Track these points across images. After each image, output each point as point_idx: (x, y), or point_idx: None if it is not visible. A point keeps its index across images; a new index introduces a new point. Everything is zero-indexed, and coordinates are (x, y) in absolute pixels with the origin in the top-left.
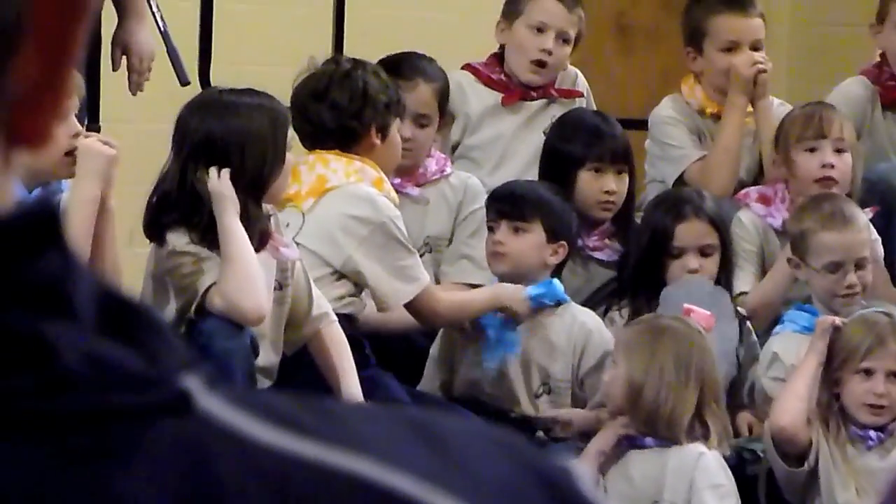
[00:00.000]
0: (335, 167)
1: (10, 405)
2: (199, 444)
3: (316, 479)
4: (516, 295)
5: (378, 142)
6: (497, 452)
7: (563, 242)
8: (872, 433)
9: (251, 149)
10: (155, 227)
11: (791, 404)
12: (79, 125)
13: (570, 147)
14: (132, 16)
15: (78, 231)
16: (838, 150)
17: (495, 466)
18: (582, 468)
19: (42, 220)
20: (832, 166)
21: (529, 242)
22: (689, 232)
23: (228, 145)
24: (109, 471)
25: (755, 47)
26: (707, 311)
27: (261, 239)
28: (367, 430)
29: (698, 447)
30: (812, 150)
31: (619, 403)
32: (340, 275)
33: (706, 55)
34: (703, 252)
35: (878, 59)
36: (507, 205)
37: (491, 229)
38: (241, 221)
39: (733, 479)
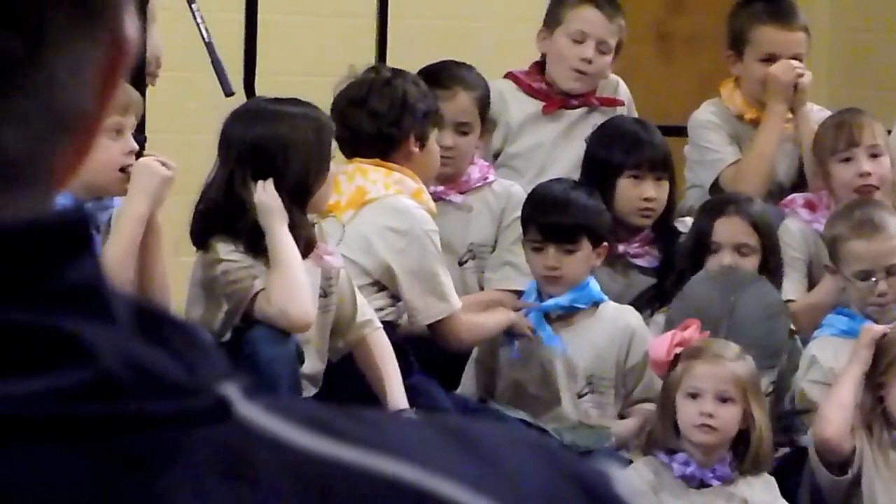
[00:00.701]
0: (374, 178)
1: (49, 408)
2: (240, 449)
3: (356, 482)
4: (522, 319)
5: (416, 150)
6: (535, 457)
7: (605, 243)
8: None
9: (295, 157)
10: (201, 235)
11: (835, 415)
12: (134, 143)
13: (610, 154)
14: (145, 17)
15: (124, 246)
16: (874, 156)
17: (533, 471)
18: (619, 471)
19: (78, 225)
20: (869, 174)
21: (579, 259)
22: (727, 227)
23: (273, 153)
24: (154, 477)
25: (795, 60)
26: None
27: (306, 247)
28: (406, 435)
29: (754, 478)
30: (847, 159)
31: (729, 439)
32: (381, 285)
33: (745, 62)
34: (740, 251)
35: None
36: (554, 230)
37: (537, 250)
38: (289, 225)
39: None
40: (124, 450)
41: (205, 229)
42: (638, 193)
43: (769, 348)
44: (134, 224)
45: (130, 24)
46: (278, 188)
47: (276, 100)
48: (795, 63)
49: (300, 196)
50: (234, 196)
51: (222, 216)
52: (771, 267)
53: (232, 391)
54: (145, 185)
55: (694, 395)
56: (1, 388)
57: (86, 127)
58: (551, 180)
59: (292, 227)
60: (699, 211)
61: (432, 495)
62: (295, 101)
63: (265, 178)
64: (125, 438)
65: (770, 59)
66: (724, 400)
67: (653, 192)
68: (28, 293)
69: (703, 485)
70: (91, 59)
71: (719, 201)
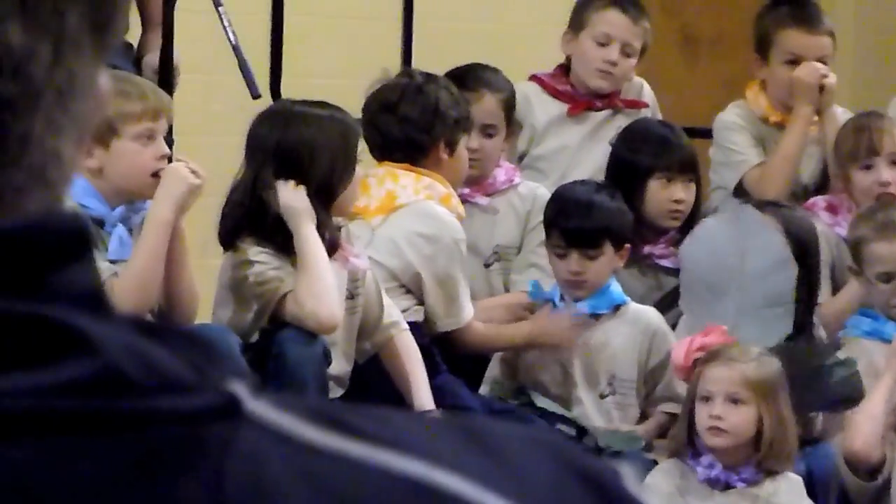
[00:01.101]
0: (405, 183)
1: (59, 403)
2: (250, 445)
3: (363, 476)
4: (557, 329)
5: (445, 156)
6: (544, 453)
7: (627, 245)
8: None
9: (321, 158)
10: (228, 237)
11: (865, 427)
12: (166, 148)
13: (639, 157)
14: (151, 28)
15: (151, 250)
16: (894, 162)
17: (542, 467)
18: (628, 469)
19: (79, 228)
20: (889, 183)
21: (603, 263)
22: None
23: (299, 155)
24: (167, 473)
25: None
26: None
27: (330, 248)
28: (414, 431)
29: (783, 478)
30: (867, 167)
31: (745, 441)
32: (407, 288)
33: (770, 65)
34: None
35: None
36: (577, 236)
37: (560, 255)
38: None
39: None
40: (136, 445)
41: (232, 231)
42: (668, 195)
43: (776, 297)
44: (160, 229)
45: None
46: (304, 190)
47: (303, 102)
48: (819, 65)
49: (325, 197)
50: (260, 198)
51: (249, 218)
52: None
53: (240, 388)
54: (173, 190)
55: (706, 399)
56: (7, 381)
57: (89, 132)
58: (574, 182)
59: (317, 228)
60: None
61: (439, 490)
62: (322, 104)
63: (291, 179)
64: (136, 435)
65: (795, 62)
66: (734, 402)
67: (682, 193)
68: (34, 290)
69: (727, 487)
70: (98, 65)
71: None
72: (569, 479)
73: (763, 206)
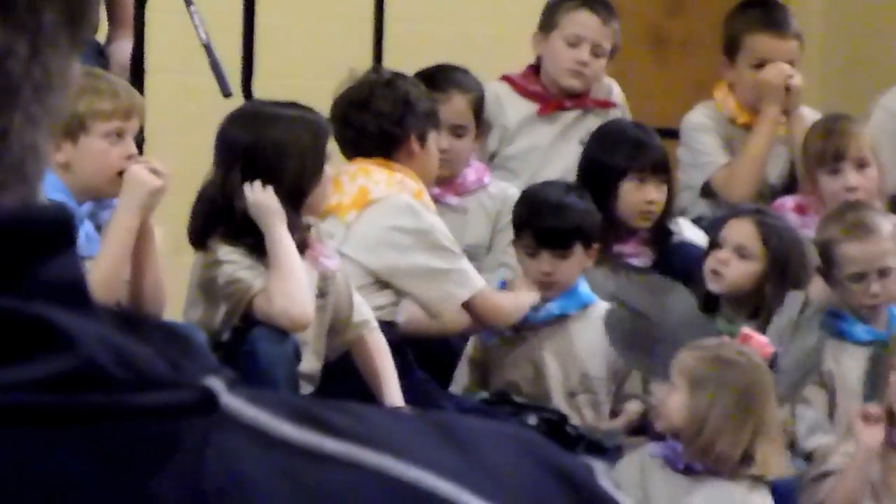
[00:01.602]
0: (377, 178)
1: (35, 398)
2: (225, 441)
3: (338, 472)
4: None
5: (418, 149)
6: (518, 451)
7: (596, 245)
8: None
9: (290, 160)
10: (198, 236)
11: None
12: (134, 147)
13: (614, 158)
14: (119, 27)
15: (113, 257)
16: (860, 166)
17: (517, 464)
18: (601, 465)
19: (63, 220)
20: (855, 188)
21: (573, 263)
22: (733, 227)
23: (268, 156)
24: (141, 469)
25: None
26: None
27: (299, 248)
28: (389, 427)
29: (747, 482)
30: (834, 171)
31: (674, 427)
32: (383, 284)
33: (738, 68)
34: (741, 255)
35: None
36: (549, 236)
37: (531, 255)
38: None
39: None
40: (111, 440)
41: (201, 231)
42: (641, 196)
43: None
44: (124, 235)
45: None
46: (274, 190)
47: (273, 103)
48: (785, 66)
49: (294, 198)
50: (229, 198)
51: (219, 218)
52: (775, 283)
53: (216, 384)
54: (134, 195)
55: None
56: None
57: (58, 124)
58: (543, 183)
59: (288, 229)
60: (719, 217)
61: (415, 488)
62: (291, 105)
63: (261, 180)
64: (112, 430)
65: (762, 65)
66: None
67: (655, 194)
68: (11, 284)
69: (689, 471)
70: (73, 58)
71: (740, 207)
72: (543, 475)
73: (748, 212)
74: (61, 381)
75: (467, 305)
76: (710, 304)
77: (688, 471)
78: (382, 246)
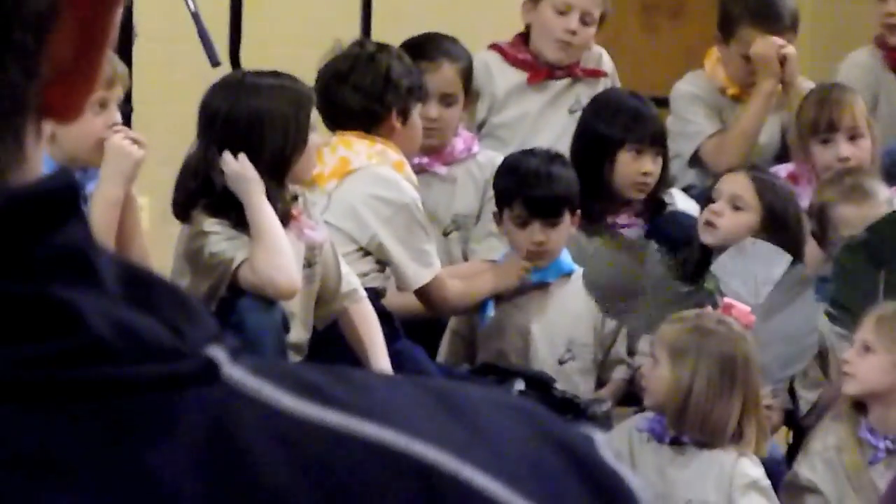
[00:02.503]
0: (358, 149)
1: (41, 373)
2: (227, 412)
3: (340, 445)
4: (512, 277)
5: (399, 125)
6: (519, 421)
7: (579, 210)
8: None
9: (272, 130)
10: (182, 207)
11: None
12: (118, 116)
13: (610, 128)
14: None
15: (100, 229)
16: (853, 137)
17: (517, 435)
18: (603, 436)
19: (66, 190)
20: (847, 159)
21: (563, 231)
22: (727, 180)
23: (250, 126)
24: (141, 441)
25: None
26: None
27: (283, 219)
28: (391, 398)
29: (735, 451)
30: (826, 141)
31: (660, 402)
32: (366, 251)
33: (730, 50)
34: (735, 206)
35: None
36: (540, 205)
37: (521, 224)
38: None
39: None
40: (112, 414)
41: (185, 202)
42: (637, 167)
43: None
44: (108, 207)
45: None
46: (256, 161)
47: (256, 73)
48: (776, 39)
49: (277, 169)
50: (209, 169)
51: (202, 189)
52: (773, 234)
53: (219, 353)
54: (117, 167)
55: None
56: None
57: None
58: (523, 152)
59: (269, 200)
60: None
61: (415, 461)
62: (275, 74)
63: (242, 151)
64: (114, 403)
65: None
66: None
67: (651, 166)
68: (17, 260)
69: (676, 442)
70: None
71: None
72: (544, 446)
73: (743, 168)
74: (64, 357)
75: (421, 288)
76: (701, 265)
77: (675, 443)
78: (363, 212)
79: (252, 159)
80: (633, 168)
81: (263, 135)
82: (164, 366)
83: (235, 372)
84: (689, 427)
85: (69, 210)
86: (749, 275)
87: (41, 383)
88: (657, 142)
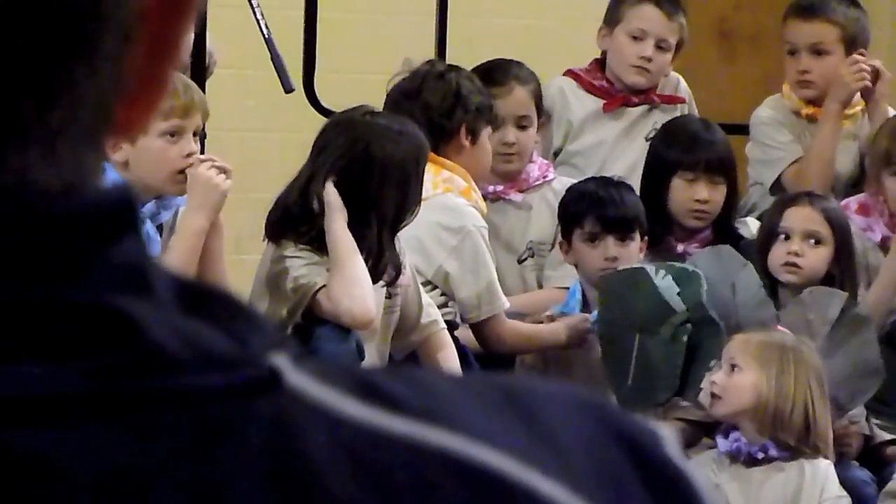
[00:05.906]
0: (425, 177)
1: (102, 385)
2: (290, 421)
3: (405, 454)
4: (580, 331)
5: (467, 144)
6: (584, 417)
7: (646, 237)
8: None
9: (392, 181)
10: (275, 228)
11: None
12: (194, 145)
13: (668, 153)
14: None
15: (183, 258)
16: None
17: (582, 434)
18: (670, 431)
19: (124, 204)
20: None
21: (633, 251)
22: (798, 215)
23: (367, 170)
24: (205, 453)
25: (816, 51)
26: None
27: (397, 274)
28: (460, 404)
29: (825, 460)
30: None
31: (744, 407)
32: (433, 285)
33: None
34: (811, 238)
35: None
36: (613, 220)
37: (593, 242)
38: (376, 253)
39: None
40: (175, 425)
41: (278, 224)
42: (691, 194)
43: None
44: (194, 239)
45: None
46: (370, 210)
47: (381, 114)
48: (863, 62)
49: (396, 222)
50: (307, 199)
51: (296, 215)
52: (842, 263)
53: (282, 360)
54: (205, 198)
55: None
56: (50, 366)
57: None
58: (587, 179)
59: (383, 253)
60: (770, 206)
61: (481, 470)
62: (399, 119)
63: (356, 193)
64: (178, 415)
65: (794, 52)
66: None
67: (706, 193)
68: (76, 272)
69: (752, 461)
70: None
71: (791, 195)
72: (607, 442)
73: (802, 198)
74: (125, 369)
75: (480, 323)
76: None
77: (761, 459)
78: (428, 244)
79: (366, 205)
80: (686, 195)
81: (384, 183)
82: (226, 375)
83: (299, 379)
84: (787, 433)
85: (128, 224)
86: (802, 323)
87: (100, 396)
88: (714, 169)
